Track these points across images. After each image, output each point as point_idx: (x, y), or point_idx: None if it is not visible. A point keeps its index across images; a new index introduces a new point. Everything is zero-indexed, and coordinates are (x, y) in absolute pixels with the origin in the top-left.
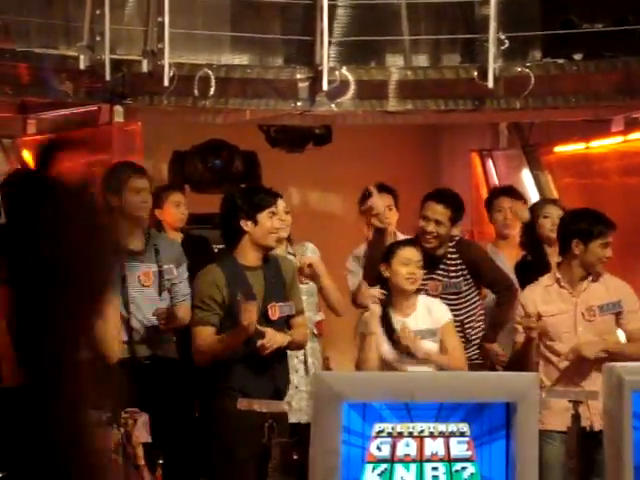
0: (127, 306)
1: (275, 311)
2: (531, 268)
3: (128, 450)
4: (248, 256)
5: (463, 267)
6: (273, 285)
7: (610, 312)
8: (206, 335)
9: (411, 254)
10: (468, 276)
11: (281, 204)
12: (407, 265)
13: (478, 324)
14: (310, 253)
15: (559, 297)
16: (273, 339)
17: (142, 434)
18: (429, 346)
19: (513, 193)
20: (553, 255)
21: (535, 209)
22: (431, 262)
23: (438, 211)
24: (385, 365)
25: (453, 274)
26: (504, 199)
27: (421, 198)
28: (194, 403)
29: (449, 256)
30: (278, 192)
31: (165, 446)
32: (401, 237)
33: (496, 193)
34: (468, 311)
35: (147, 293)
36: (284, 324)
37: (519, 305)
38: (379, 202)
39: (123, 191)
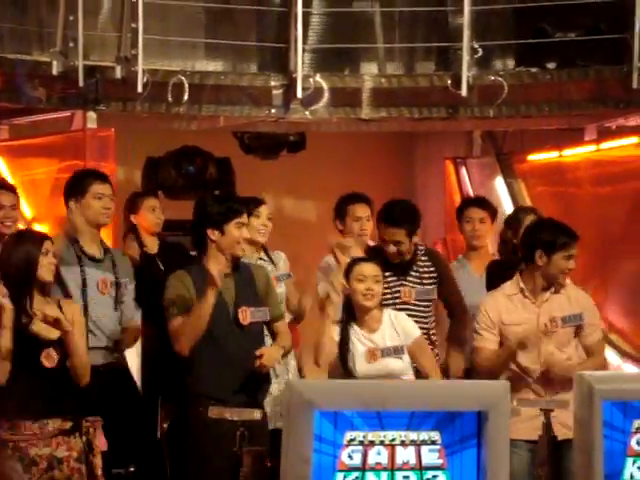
0: (86, 309)
1: (246, 315)
2: (502, 269)
3: (90, 459)
4: (216, 263)
5: (435, 275)
6: (244, 291)
7: (572, 324)
8: (179, 325)
9: (367, 270)
10: (438, 284)
11: (264, 210)
12: (363, 281)
13: (438, 328)
14: (282, 263)
15: (522, 307)
16: (270, 356)
17: (101, 442)
18: (394, 364)
19: (483, 204)
20: None
21: (517, 219)
22: (401, 268)
23: (394, 233)
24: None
25: (426, 281)
26: (474, 210)
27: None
28: (161, 410)
29: (420, 263)
30: (262, 199)
31: (135, 454)
32: (371, 244)
33: (466, 203)
34: (433, 317)
35: (104, 300)
36: (259, 330)
37: (481, 311)
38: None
39: (85, 197)
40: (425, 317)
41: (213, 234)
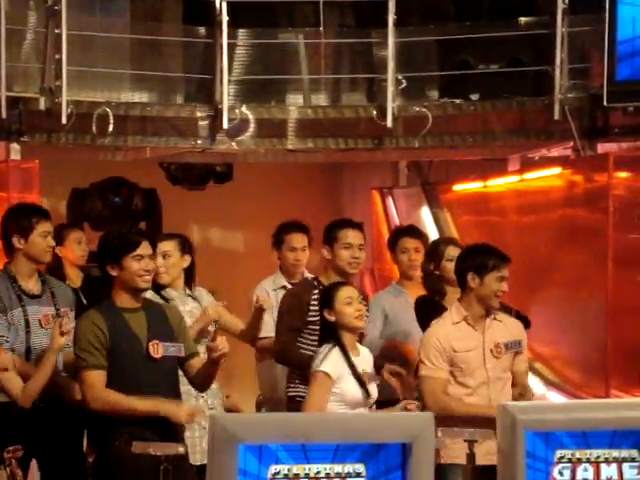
0: (29, 350)
1: (157, 349)
2: (431, 306)
3: None
4: (124, 298)
5: None
6: (157, 326)
7: (513, 350)
8: (95, 379)
9: (351, 292)
10: None
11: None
12: (350, 304)
13: None
14: (205, 297)
15: (469, 334)
16: (224, 342)
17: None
18: (372, 388)
19: (416, 233)
20: (455, 295)
21: (439, 251)
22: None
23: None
24: (352, 405)
25: None
26: (407, 239)
27: (323, 235)
28: (86, 447)
29: None
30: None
31: None
32: (308, 276)
33: (399, 233)
34: None
35: (47, 334)
36: (173, 366)
37: (430, 340)
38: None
39: (30, 235)
40: None
41: (113, 269)
